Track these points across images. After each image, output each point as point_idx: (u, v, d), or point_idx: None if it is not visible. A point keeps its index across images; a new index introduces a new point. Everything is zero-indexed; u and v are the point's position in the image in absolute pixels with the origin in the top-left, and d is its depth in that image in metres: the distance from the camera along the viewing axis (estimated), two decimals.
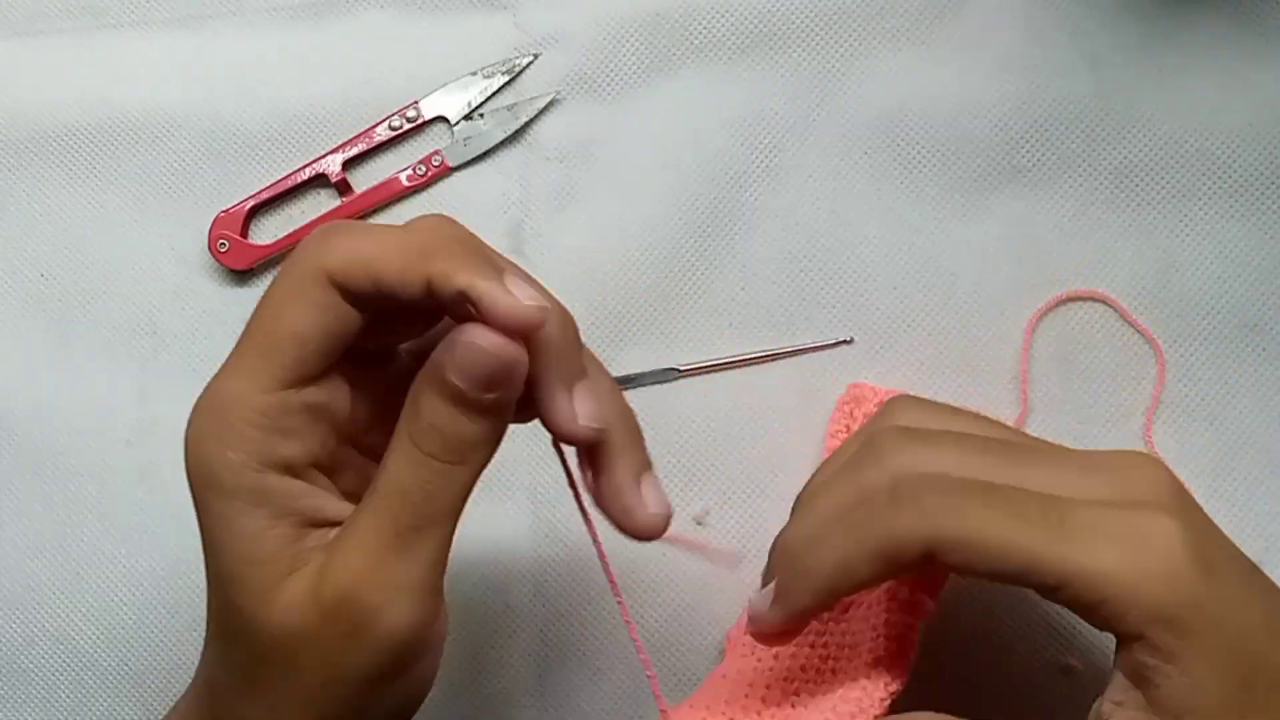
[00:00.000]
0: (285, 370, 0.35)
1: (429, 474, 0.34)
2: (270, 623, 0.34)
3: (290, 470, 0.35)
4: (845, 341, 0.51)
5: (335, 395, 0.36)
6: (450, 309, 0.35)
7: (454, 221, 0.36)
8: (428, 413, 0.34)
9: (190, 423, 0.35)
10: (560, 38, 0.53)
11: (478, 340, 0.33)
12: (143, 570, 0.53)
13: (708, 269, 0.52)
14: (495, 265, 0.35)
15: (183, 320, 0.54)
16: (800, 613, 0.39)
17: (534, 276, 0.36)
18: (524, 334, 0.34)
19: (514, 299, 0.33)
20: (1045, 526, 0.36)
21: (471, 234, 0.36)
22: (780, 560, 0.40)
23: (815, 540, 0.39)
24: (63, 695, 0.53)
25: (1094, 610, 0.35)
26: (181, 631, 0.53)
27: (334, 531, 0.35)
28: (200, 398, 0.35)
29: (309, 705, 0.35)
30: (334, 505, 0.36)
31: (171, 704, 0.53)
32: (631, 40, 0.53)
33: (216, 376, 0.35)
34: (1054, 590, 0.36)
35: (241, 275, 0.54)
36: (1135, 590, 0.35)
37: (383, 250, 0.34)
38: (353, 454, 0.38)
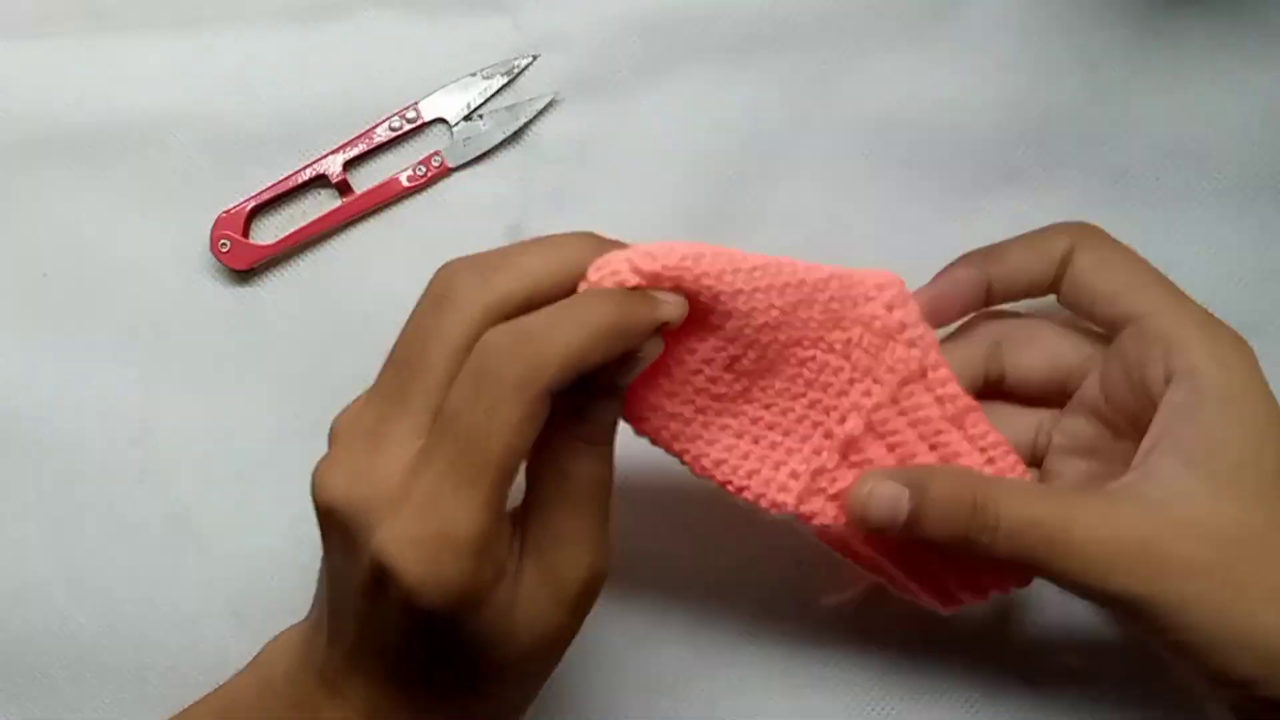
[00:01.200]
0: (505, 492, 0.37)
1: (601, 462, 0.39)
2: (518, 641, 0.38)
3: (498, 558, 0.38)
4: None
5: None
6: None
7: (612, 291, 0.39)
8: (601, 413, 0.39)
9: (408, 561, 0.36)
10: (560, 38, 0.53)
11: (650, 351, 0.39)
12: (143, 569, 0.53)
13: None
14: (652, 298, 0.39)
15: (184, 320, 0.54)
16: None
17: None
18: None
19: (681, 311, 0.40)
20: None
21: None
22: None
23: None
24: (63, 694, 0.53)
25: None
26: (182, 631, 0.53)
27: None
28: (407, 525, 0.36)
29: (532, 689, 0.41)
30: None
31: (170, 702, 0.54)
32: (631, 40, 0.53)
33: (430, 507, 0.36)
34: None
35: (243, 275, 0.54)
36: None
37: (594, 342, 0.37)
38: None
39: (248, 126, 0.54)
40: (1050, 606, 0.50)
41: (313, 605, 0.43)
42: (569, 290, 0.38)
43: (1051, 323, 0.46)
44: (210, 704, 0.43)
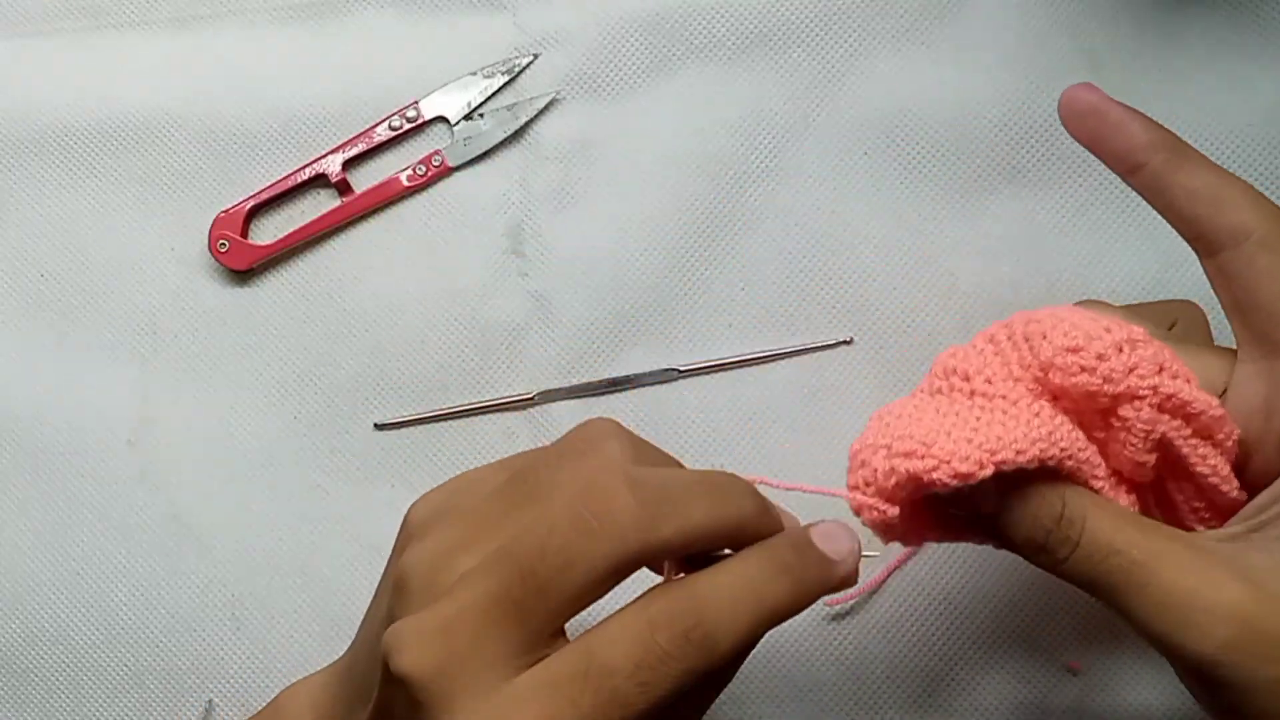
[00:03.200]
0: (556, 630, 0.34)
1: None
2: None
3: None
4: (845, 342, 0.51)
5: None
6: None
7: (735, 477, 0.37)
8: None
9: (423, 661, 0.33)
10: (560, 38, 0.53)
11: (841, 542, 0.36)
12: (142, 570, 0.53)
13: (708, 269, 0.52)
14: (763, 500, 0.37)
15: (183, 320, 0.54)
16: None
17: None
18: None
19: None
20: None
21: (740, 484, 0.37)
22: None
23: None
24: (62, 694, 0.53)
25: None
26: (180, 631, 0.53)
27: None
28: (436, 618, 0.33)
29: None
30: None
31: (167, 706, 0.54)
32: (631, 40, 0.53)
33: (460, 614, 0.33)
34: None
35: (241, 275, 0.54)
36: None
37: (702, 528, 0.34)
38: None
39: (247, 125, 0.54)
40: (1050, 608, 0.50)
41: (347, 650, 0.41)
42: (727, 542, 0.36)
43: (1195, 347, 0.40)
44: None
